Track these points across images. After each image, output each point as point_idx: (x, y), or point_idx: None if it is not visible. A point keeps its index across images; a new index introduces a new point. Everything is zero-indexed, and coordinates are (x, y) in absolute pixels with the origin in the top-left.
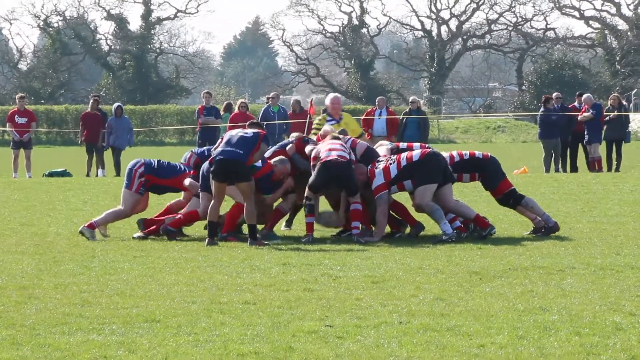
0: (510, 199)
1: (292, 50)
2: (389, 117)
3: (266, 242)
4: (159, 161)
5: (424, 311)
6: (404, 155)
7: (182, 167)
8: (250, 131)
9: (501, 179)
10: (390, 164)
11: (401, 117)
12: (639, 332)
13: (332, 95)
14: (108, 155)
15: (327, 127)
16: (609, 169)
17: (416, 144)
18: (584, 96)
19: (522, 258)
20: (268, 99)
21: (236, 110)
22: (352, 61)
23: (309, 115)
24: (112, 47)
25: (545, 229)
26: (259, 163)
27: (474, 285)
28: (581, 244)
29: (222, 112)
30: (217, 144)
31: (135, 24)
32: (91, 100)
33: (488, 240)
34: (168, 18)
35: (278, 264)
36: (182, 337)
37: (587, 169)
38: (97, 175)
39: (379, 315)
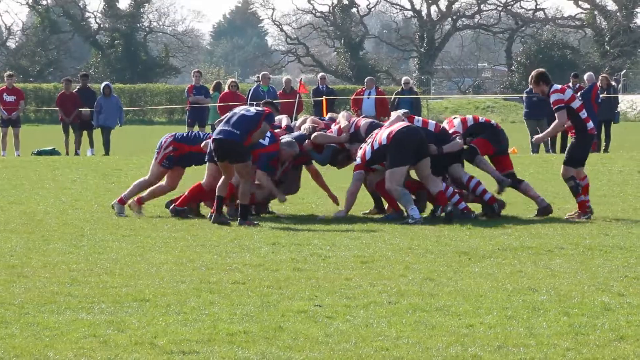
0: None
1: (281, 30)
2: (378, 97)
3: (256, 223)
4: (188, 132)
5: (413, 291)
6: (378, 136)
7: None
8: (253, 110)
9: (505, 153)
10: (368, 144)
11: (393, 97)
12: (627, 312)
13: None
14: (97, 134)
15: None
16: (598, 150)
17: (431, 122)
18: (586, 75)
19: (511, 238)
20: (258, 77)
21: (226, 89)
22: (342, 41)
23: (298, 95)
24: (101, 26)
25: (540, 210)
26: (266, 141)
27: (463, 266)
28: (570, 224)
29: (211, 92)
30: (223, 119)
31: (124, 2)
32: (63, 81)
33: (477, 221)
34: None
35: (267, 244)
36: (171, 317)
37: None
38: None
39: (368, 295)
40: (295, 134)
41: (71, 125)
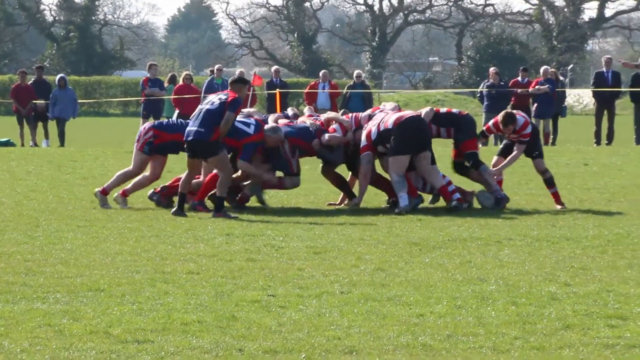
0: (470, 160)
1: (235, 23)
2: (332, 91)
3: (232, 216)
4: (167, 120)
5: (365, 281)
6: (385, 119)
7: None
8: (217, 101)
9: (469, 138)
10: (375, 126)
11: (345, 90)
12: (574, 301)
13: None
14: (52, 125)
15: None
16: (546, 143)
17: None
18: (543, 68)
19: (461, 229)
20: (212, 71)
21: (180, 82)
22: (295, 34)
23: (252, 88)
24: (57, 18)
25: (497, 201)
26: (251, 130)
27: (413, 256)
28: (518, 216)
29: (166, 84)
30: (194, 114)
31: None
32: (18, 73)
33: (428, 212)
34: None
35: (221, 235)
36: (126, 306)
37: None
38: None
39: (321, 285)
40: (298, 125)
41: (25, 118)
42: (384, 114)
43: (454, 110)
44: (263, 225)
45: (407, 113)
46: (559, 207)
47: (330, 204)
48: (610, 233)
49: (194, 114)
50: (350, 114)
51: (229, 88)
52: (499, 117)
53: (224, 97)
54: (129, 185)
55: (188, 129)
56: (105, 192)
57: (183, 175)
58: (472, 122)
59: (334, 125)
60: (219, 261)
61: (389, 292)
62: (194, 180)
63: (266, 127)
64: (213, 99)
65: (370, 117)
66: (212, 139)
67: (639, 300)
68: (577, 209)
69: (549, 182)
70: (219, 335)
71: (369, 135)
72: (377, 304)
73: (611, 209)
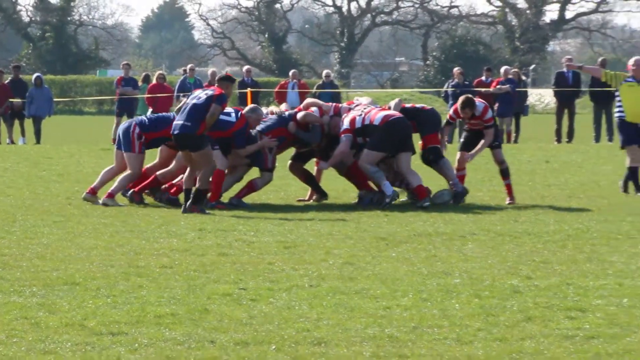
0: (431, 155)
1: (208, 24)
2: (301, 90)
3: (207, 212)
4: (148, 117)
5: (334, 275)
6: (373, 112)
7: (172, 114)
8: (203, 95)
9: (431, 132)
10: (359, 115)
11: (314, 90)
12: (535, 294)
13: (637, 57)
14: (29, 123)
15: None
16: (508, 141)
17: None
18: (503, 68)
19: (426, 224)
20: (185, 70)
21: (154, 81)
22: (266, 35)
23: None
24: (33, 19)
25: (455, 195)
26: (233, 118)
27: (380, 251)
28: (481, 211)
29: (140, 83)
30: (181, 106)
31: None
32: None
33: (394, 208)
34: None
35: (194, 230)
36: (101, 299)
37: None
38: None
39: (291, 279)
40: (275, 116)
41: (2, 116)
42: (370, 108)
43: (418, 105)
44: (235, 221)
45: (395, 113)
46: (508, 200)
47: (300, 200)
48: (570, 228)
49: (182, 107)
50: (330, 103)
51: (216, 85)
52: (458, 101)
53: (210, 92)
54: (113, 186)
55: (175, 122)
56: (93, 192)
57: (186, 172)
58: (435, 116)
59: (312, 108)
60: (191, 255)
61: (357, 285)
62: (162, 170)
63: (245, 108)
64: (199, 94)
65: (350, 109)
66: (199, 132)
67: (598, 293)
68: (539, 204)
69: (505, 173)
70: (191, 328)
71: (353, 121)
72: (345, 297)
73: (571, 205)
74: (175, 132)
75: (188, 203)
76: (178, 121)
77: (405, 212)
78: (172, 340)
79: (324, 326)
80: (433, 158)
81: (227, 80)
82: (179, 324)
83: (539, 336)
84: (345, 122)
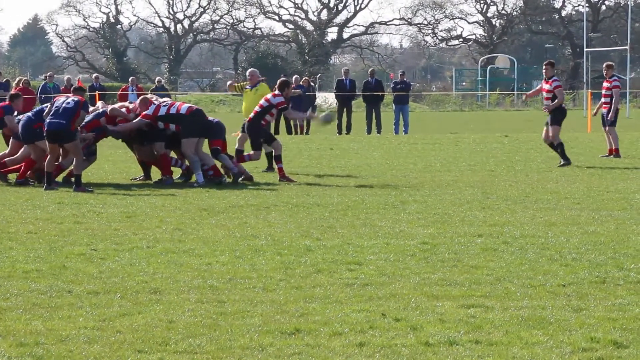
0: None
1: (63, 41)
2: (139, 92)
3: (89, 189)
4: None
5: (166, 238)
6: (177, 105)
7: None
8: (72, 100)
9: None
10: (163, 105)
11: (150, 93)
12: (323, 252)
13: (250, 69)
14: None
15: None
16: (300, 133)
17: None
18: (294, 77)
19: (239, 198)
20: (45, 77)
21: (20, 85)
22: (110, 50)
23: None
24: None
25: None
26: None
27: (203, 219)
28: (280, 187)
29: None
30: (48, 109)
31: None
32: None
33: (214, 185)
34: None
35: (54, 203)
36: None
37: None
38: None
39: (132, 242)
40: (93, 114)
41: None
42: (173, 101)
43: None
44: (87, 196)
45: (195, 106)
46: (280, 178)
47: (133, 179)
48: (350, 200)
49: (51, 109)
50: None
51: (73, 93)
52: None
53: (76, 99)
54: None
55: (49, 121)
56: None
57: (47, 157)
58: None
59: (121, 106)
60: (52, 224)
61: (185, 246)
62: (10, 157)
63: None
64: (68, 100)
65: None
66: (72, 129)
67: (371, 250)
68: (326, 183)
69: (277, 159)
70: (52, 281)
71: (156, 111)
72: (176, 256)
73: (350, 183)
74: (52, 128)
75: (74, 187)
76: (53, 120)
77: (222, 189)
78: (37, 290)
79: (159, 278)
80: (212, 153)
81: (81, 90)
82: (42, 277)
83: (326, 284)
84: (150, 109)
